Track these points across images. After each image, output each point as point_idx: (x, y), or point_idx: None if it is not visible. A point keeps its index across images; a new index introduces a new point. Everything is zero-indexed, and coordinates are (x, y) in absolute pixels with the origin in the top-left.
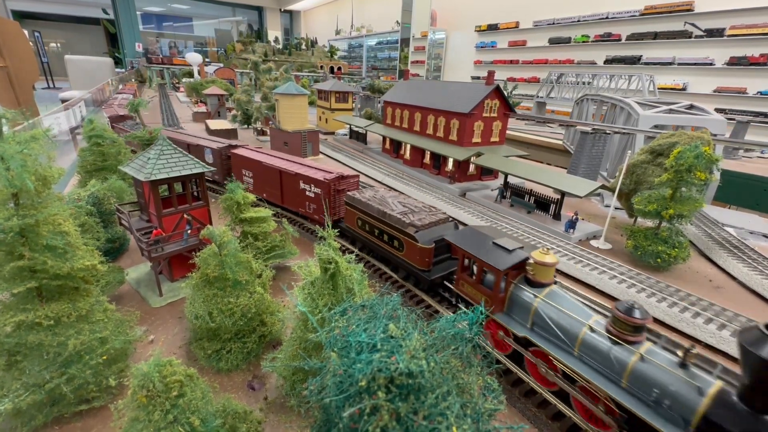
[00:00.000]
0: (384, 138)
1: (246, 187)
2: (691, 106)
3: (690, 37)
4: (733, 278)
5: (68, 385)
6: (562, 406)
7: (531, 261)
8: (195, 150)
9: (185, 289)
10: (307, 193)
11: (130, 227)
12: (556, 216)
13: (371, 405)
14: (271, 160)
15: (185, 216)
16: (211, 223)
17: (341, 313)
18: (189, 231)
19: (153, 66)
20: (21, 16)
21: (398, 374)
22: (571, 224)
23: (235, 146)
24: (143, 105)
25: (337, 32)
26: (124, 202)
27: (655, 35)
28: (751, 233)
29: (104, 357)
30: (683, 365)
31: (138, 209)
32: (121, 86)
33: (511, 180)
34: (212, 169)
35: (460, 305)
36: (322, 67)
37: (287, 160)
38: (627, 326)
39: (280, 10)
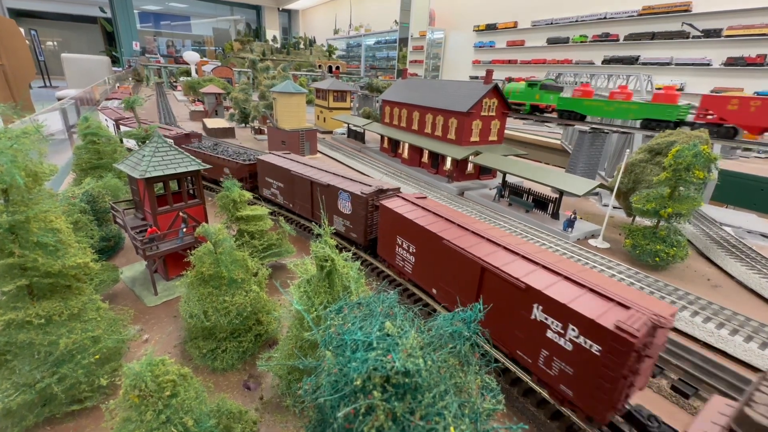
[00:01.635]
0: (382, 137)
1: (404, 271)
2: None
3: (687, 37)
4: (731, 277)
5: (60, 384)
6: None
7: None
8: (324, 191)
9: (180, 287)
10: (552, 334)
11: (124, 225)
12: (555, 215)
13: (366, 405)
14: (462, 238)
15: (181, 214)
16: (207, 221)
17: (337, 311)
18: (184, 229)
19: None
20: (17, 14)
21: (394, 373)
22: (570, 223)
23: (386, 192)
24: (139, 103)
25: (336, 31)
26: (119, 200)
27: (653, 35)
28: (748, 232)
29: (96, 356)
30: None
31: (133, 207)
32: (117, 85)
33: (510, 179)
34: (207, 166)
35: None
36: (320, 66)
37: (496, 243)
38: None
39: (279, 9)
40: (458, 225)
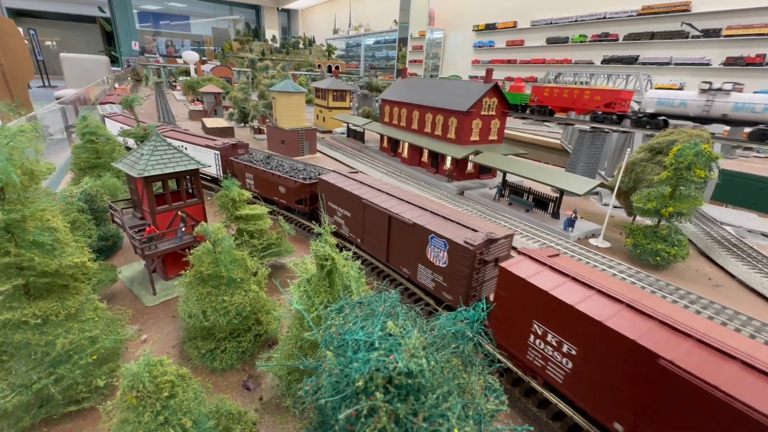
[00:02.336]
0: (382, 136)
1: (544, 375)
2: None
3: (687, 37)
4: (732, 276)
5: (56, 385)
6: (563, 406)
7: None
8: (407, 231)
9: (179, 287)
10: None
11: (123, 224)
12: (555, 214)
13: (368, 406)
14: (694, 355)
15: (179, 213)
16: (206, 221)
17: (338, 311)
18: (183, 228)
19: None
20: (16, 14)
21: (397, 374)
22: (570, 223)
23: (497, 242)
24: (137, 102)
25: (335, 31)
26: (117, 199)
27: (652, 35)
28: (749, 232)
29: (94, 357)
30: None
31: (131, 206)
32: (115, 86)
33: (510, 178)
34: (207, 165)
35: None
36: (319, 66)
37: (754, 368)
38: None
39: (278, 8)
40: (661, 322)
